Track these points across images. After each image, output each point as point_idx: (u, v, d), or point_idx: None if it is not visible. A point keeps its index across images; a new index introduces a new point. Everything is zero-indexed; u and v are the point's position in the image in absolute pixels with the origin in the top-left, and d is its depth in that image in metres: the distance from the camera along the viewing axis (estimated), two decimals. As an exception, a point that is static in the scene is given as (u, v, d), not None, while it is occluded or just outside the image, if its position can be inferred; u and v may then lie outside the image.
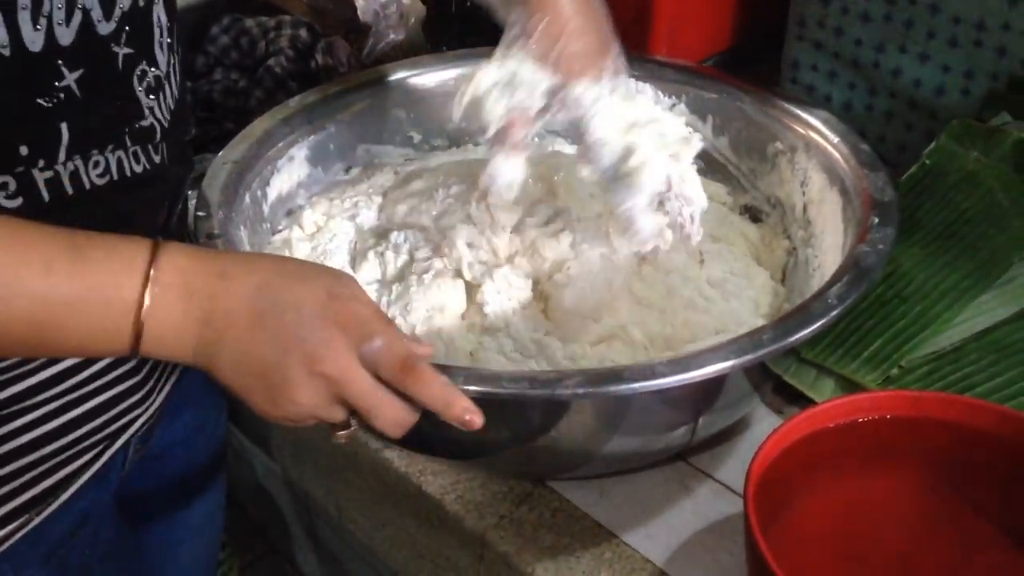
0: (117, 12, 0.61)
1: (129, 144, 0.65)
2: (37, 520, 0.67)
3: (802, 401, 0.78)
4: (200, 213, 0.76)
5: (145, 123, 0.66)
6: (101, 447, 0.70)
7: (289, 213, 0.89)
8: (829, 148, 0.83)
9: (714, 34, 1.14)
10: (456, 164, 0.92)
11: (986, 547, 0.64)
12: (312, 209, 0.87)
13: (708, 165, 0.91)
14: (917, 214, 0.88)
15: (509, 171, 0.74)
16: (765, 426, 0.74)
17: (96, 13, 0.59)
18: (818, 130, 0.85)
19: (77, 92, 0.59)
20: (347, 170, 0.94)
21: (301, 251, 0.84)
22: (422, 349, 0.58)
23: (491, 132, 0.73)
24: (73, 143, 0.60)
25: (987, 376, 0.75)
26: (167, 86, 0.68)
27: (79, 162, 0.61)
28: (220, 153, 0.83)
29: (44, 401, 0.65)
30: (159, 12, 0.66)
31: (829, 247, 0.80)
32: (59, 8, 0.57)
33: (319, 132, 0.90)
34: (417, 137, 0.97)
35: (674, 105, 0.92)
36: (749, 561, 0.62)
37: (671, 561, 0.70)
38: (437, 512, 0.75)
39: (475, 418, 0.57)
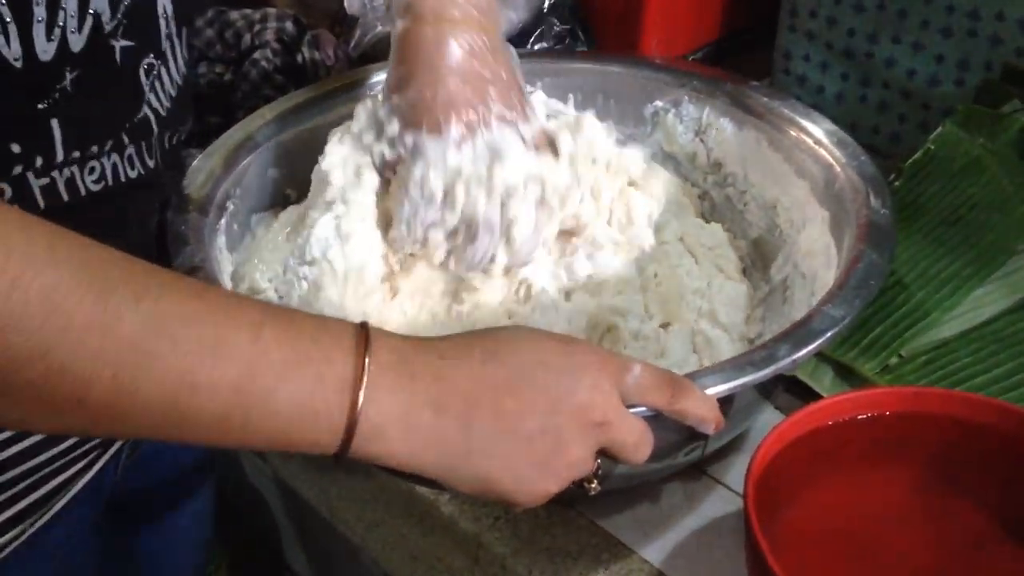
0: (121, 8, 0.58)
1: (126, 141, 0.63)
2: (32, 530, 0.66)
3: (799, 390, 0.77)
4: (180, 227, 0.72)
5: (139, 115, 0.63)
6: (94, 455, 0.69)
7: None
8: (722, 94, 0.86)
9: (706, 24, 1.13)
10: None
11: (987, 542, 0.63)
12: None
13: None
14: (920, 199, 0.87)
15: None
16: (763, 421, 0.73)
17: (106, 15, 0.57)
18: (700, 76, 0.89)
19: (70, 89, 0.56)
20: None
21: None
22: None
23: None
24: (67, 141, 0.58)
25: (987, 367, 0.74)
26: (166, 74, 0.66)
27: (75, 168, 0.59)
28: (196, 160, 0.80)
29: None
30: (164, 2, 0.63)
31: (756, 182, 0.85)
32: (72, 17, 0.54)
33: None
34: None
35: (531, 92, 0.89)
36: (749, 560, 0.61)
37: (669, 561, 0.69)
38: (431, 513, 0.74)
39: (722, 417, 0.56)
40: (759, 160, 0.85)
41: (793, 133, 0.83)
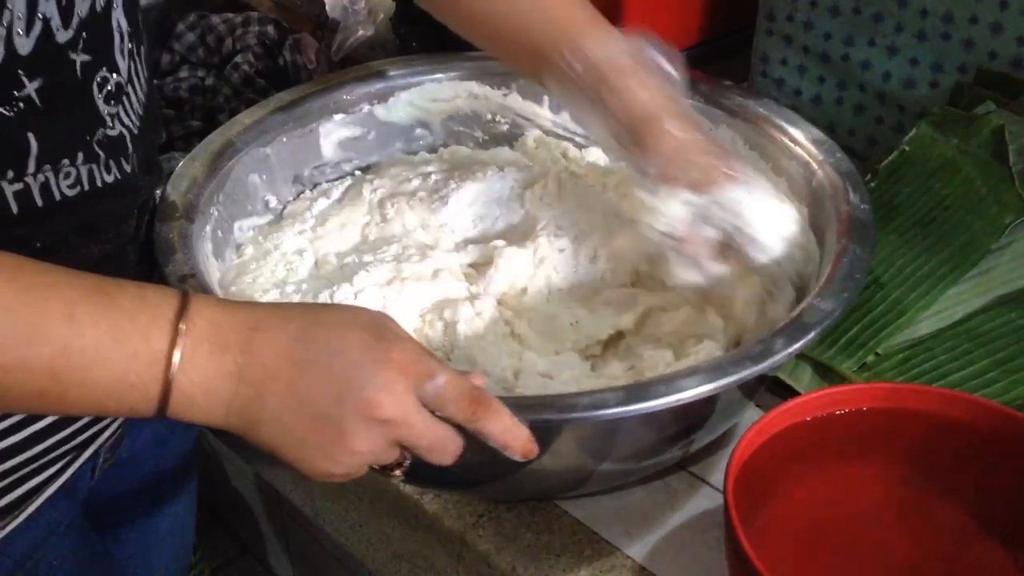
0: (75, 19, 0.59)
1: (100, 154, 0.63)
2: (1, 534, 0.65)
3: (779, 389, 0.78)
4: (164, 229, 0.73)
5: (113, 132, 0.64)
6: (68, 458, 0.68)
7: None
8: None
9: (685, 29, 1.14)
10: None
11: (963, 536, 0.64)
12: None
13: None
14: (896, 200, 0.88)
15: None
16: (745, 420, 0.74)
17: (55, 21, 0.57)
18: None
19: (38, 101, 0.57)
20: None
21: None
22: (478, 380, 0.56)
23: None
24: (43, 153, 0.58)
25: (961, 364, 0.76)
26: (131, 92, 0.66)
27: (49, 173, 0.59)
28: (180, 165, 0.80)
29: (4, 416, 0.62)
30: (118, 17, 0.64)
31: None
32: (19, 18, 0.55)
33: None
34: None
35: (506, 95, 0.92)
36: (729, 555, 0.62)
37: (651, 557, 0.69)
38: (415, 512, 0.75)
39: (535, 448, 0.56)
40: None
41: (769, 132, 0.84)
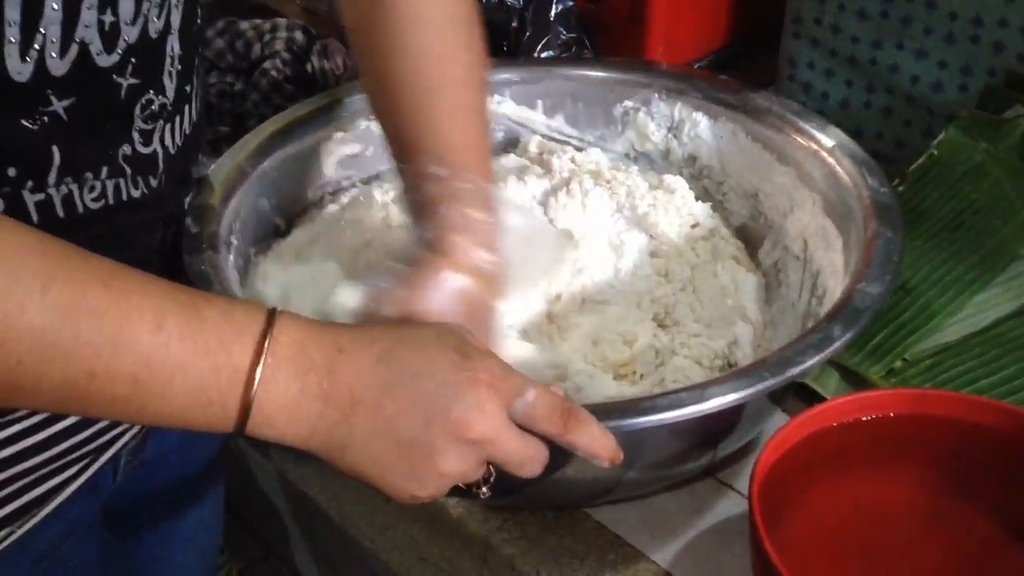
0: (121, 44, 0.59)
1: (127, 169, 0.63)
2: (20, 532, 0.66)
3: (806, 395, 0.78)
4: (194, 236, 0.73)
5: (146, 150, 0.64)
6: (88, 459, 0.69)
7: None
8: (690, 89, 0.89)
9: (711, 32, 1.14)
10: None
11: (991, 544, 0.64)
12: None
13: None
14: (924, 205, 0.88)
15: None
16: (772, 426, 0.73)
17: (95, 47, 0.57)
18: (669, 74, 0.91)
19: (64, 117, 0.57)
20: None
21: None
22: (559, 391, 0.56)
23: None
24: (65, 166, 0.58)
25: (990, 371, 0.75)
26: (181, 113, 0.67)
27: (73, 186, 0.60)
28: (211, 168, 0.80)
29: (28, 414, 0.62)
30: (173, 42, 0.64)
31: (734, 172, 0.87)
32: (53, 42, 0.55)
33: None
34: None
35: (500, 102, 0.92)
36: (754, 561, 0.62)
37: (676, 562, 0.69)
38: (440, 516, 0.75)
39: (621, 453, 0.56)
40: (736, 151, 0.87)
41: (773, 122, 0.85)
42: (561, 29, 1.02)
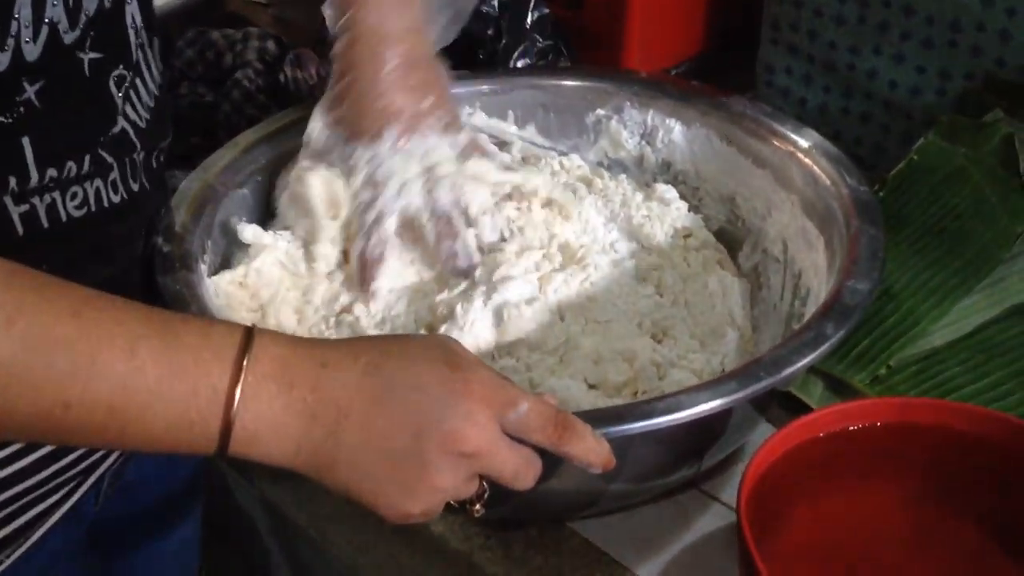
0: (82, 19, 0.58)
1: (107, 159, 0.61)
2: (8, 562, 0.64)
3: (790, 403, 0.77)
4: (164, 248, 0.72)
5: (116, 129, 0.63)
6: (73, 484, 0.67)
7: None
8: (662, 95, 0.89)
9: (688, 38, 1.13)
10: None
11: (981, 554, 0.63)
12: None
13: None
14: (905, 210, 0.87)
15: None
16: (756, 436, 0.72)
17: (63, 25, 0.56)
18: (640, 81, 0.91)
19: (37, 103, 0.56)
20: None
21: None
22: (552, 400, 0.55)
23: None
24: (40, 159, 0.57)
25: (976, 376, 0.74)
26: (140, 85, 0.65)
27: (56, 194, 0.58)
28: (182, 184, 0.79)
29: (9, 441, 0.61)
30: (132, 12, 0.63)
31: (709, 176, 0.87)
32: (26, 27, 0.54)
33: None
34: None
35: (471, 114, 0.91)
36: (743, 574, 0.61)
37: (663, 577, 0.68)
38: (421, 534, 0.74)
39: (614, 459, 0.55)
40: (711, 155, 0.87)
41: (746, 125, 0.85)
42: (537, 37, 1.01)
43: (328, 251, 0.77)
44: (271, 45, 1.12)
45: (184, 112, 1.09)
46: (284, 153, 0.85)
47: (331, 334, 0.74)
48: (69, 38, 0.57)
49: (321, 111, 0.77)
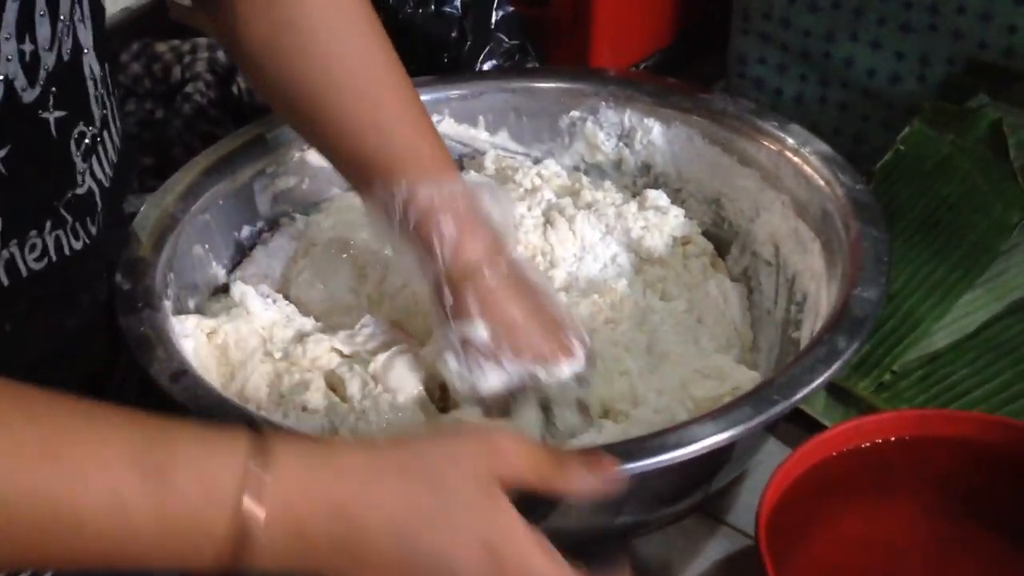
0: (42, 74, 0.53)
1: (68, 218, 0.57)
2: None
3: (793, 414, 0.73)
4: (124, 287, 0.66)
5: (81, 190, 0.58)
6: None
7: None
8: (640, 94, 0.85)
9: (656, 30, 1.09)
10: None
11: (1006, 564, 0.61)
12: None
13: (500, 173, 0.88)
14: (895, 203, 0.84)
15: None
16: (761, 454, 0.69)
17: (20, 82, 0.51)
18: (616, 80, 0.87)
19: (3, 170, 0.51)
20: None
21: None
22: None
23: None
24: (7, 227, 0.53)
25: (984, 377, 0.72)
26: (106, 140, 0.61)
27: (14, 249, 0.54)
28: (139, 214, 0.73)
29: None
30: (90, 62, 0.58)
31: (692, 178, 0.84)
32: None
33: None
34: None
35: (440, 120, 0.87)
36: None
37: (675, 609, 0.65)
38: None
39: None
40: (693, 156, 0.84)
41: (732, 124, 0.82)
42: (503, 37, 0.97)
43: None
44: (222, 55, 1.06)
45: (133, 131, 1.04)
46: (246, 175, 0.81)
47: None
48: (29, 96, 0.52)
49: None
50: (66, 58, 0.55)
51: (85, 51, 0.58)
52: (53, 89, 0.54)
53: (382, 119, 0.67)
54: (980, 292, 0.76)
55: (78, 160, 0.57)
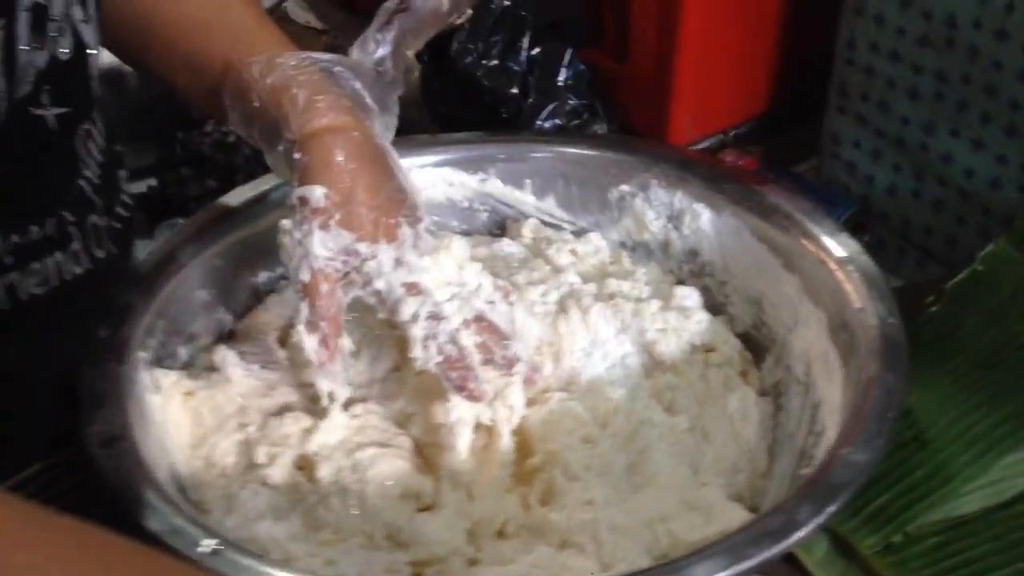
0: (32, 72, 0.55)
1: (67, 217, 0.59)
2: None
3: (787, 557, 0.67)
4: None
5: (77, 186, 0.61)
6: None
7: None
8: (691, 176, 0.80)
9: (745, 98, 1.02)
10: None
11: None
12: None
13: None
14: (958, 332, 0.75)
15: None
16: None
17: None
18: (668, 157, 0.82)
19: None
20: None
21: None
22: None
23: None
24: (11, 217, 0.55)
25: (1008, 559, 0.62)
26: (98, 135, 0.63)
27: (15, 275, 0.56)
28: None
29: None
30: (94, 60, 0.61)
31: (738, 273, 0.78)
32: None
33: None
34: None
35: (484, 180, 0.83)
36: None
37: None
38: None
39: None
40: (740, 250, 0.78)
41: (779, 222, 0.75)
42: (570, 96, 0.92)
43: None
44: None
45: (207, 152, 1.05)
46: (272, 219, 0.79)
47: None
48: (22, 91, 0.54)
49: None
50: (64, 57, 0.57)
51: (90, 49, 0.59)
52: (47, 87, 0.56)
53: (230, 19, 0.69)
54: (1028, 455, 0.66)
55: (82, 156, 0.59)
